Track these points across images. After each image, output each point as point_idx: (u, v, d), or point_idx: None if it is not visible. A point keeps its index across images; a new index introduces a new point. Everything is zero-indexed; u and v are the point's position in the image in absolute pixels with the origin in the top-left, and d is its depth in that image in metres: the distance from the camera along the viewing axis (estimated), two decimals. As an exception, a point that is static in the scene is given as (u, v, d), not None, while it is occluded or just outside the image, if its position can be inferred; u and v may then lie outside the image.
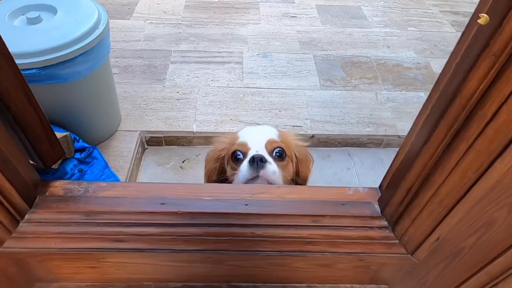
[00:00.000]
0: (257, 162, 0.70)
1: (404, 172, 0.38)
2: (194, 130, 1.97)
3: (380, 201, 0.47)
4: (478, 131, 0.33)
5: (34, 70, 1.34)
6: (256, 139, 0.78)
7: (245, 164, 0.73)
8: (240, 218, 0.46)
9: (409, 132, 0.40)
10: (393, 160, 0.45)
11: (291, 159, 0.80)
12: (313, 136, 2.03)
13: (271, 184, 0.69)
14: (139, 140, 1.89)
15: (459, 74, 0.33)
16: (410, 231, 0.45)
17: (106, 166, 1.61)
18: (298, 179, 0.85)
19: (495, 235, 0.43)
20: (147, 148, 2.00)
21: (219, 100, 2.15)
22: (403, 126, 2.10)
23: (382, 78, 2.42)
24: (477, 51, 0.28)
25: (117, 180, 1.61)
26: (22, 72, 1.30)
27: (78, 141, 1.58)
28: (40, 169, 0.52)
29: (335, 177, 1.97)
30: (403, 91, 2.35)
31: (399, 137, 2.07)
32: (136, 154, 1.85)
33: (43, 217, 0.43)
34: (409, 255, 0.48)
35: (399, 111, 2.20)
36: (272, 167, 0.72)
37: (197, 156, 1.99)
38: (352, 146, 2.10)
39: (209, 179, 0.95)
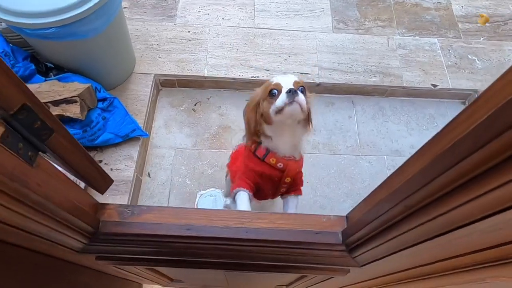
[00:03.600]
0: (293, 92, 0.98)
1: (369, 220, 0.54)
2: (206, 75, 2.05)
3: (343, 232, 0.66)
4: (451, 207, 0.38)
5: (53, 29, 1.40)
6: (286, 81, 1.03)
7: (283, 94, 0.99)
8: (242, 241, 0.66)
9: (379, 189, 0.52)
10: (362, 203, 0.60)
11: (306, 93, 1.06)
12: (319, 84, 2.10)
13: (302, 108, 0.98)
14: (153, 83, 2.00)
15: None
16: (360, 257, 0.65)
17: (126, 113, 1.77)
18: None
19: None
20: (161, 89, 2.12)
21: (230, 42, 2.17)
22: (409, 77, 2.15)
23: (397, 20, 2.35)
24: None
25: (136, 125, 1.78)
26: (42, 31, 1.37)
27: (99, 91, 1.71)
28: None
29: (336, 125, 2.11)
30: (416, 36, 2.31)
31: (403, 88, 2.13)
32: (152, 97, 1.99)
33: (108, 238, 0.63)
34: (358, 266, 0.69)
35: (408, 60, 2.21)
36: (302, 96, 0.99)
37: (208, 99, 2.12)
38: (356, 94, 2.19)
39: (249, 128, 1.15)
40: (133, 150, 1.80)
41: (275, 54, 2.16)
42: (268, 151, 1.14)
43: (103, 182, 0.66)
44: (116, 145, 1.78)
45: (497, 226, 0.36)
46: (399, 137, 2.10)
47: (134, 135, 1.77)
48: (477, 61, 2.25)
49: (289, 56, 2.16)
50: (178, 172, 1.91)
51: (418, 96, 2.20)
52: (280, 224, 0.67)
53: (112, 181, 0.68)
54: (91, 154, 1.74)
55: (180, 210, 0.68)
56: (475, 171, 0.31)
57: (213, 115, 2.08)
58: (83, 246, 0.64)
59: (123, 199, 1.67)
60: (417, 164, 0.41)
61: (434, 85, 2.14)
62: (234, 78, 2.06)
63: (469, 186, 0.34)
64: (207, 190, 1.89)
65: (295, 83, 1.02)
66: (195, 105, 2.09)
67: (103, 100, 1.71)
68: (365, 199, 0.58)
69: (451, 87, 2.14)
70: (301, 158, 1.22)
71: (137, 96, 1.94)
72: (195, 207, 1.84)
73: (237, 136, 2.02)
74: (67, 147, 0.52)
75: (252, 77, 2.07)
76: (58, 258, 0.69)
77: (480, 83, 2.17)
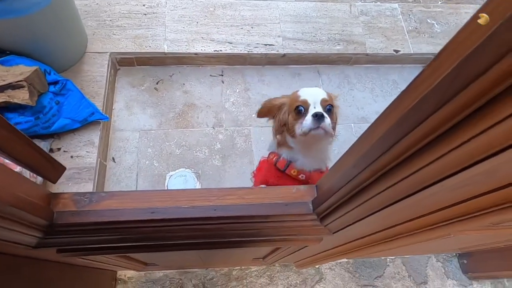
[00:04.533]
0: (319, 117, 0.98)
1: (338, 187, 0.53)
2: (166, 51, 1.95)
3: (313, 201, 0.65)
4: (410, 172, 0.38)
5: (-13, 6, 1.25)
6: (314, 98, 1.03)
7: (309, 118, 0.99)
8: (211, 220, 0.63)
9: (345, 157, 0.50)
10: (331, 171, 0.59)
11: (334, 109, 1.09)
12: (284, 55, 2.06)
13: (327, 132, 1.00)
14: (109, 63, 1.88)
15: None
16: (331, 225, 0.64)
17: (82, 96, 1.66)
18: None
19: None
20: (119, 69, 2.00)
21: (189, 15, 2.06)
22: (372, 44, 2.15)
23: (358, -15, 2.32)
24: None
25: (95, 108, 1.68)
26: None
27: (50, 74, 1.58)
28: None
29: (304, 95, 2.10)
30: (378, 2, 2.30)
31: (367, 55, 2.14)
32: (109, 77, 1.87)
33: (65, 229, 0.58)
34: (330, 233, 0.69)
35: (370, 26, 2.21)
36: (327, 121, 0.99)
37: (171, 76, 2.03)
38: (321, 64, 2.17)
39: (260, 112, 1.22)
40: (94, 135, 1.70)
41: (237, 25, 2.08)
42: (289, 162, 1.13)
43: (53, 170, 0.60)
44: (74, 130, 1.68)
45: (464, 183, 0.36)
46: (365, 104, 2.13)
47: (93, 119, 1.67)
48: (436, 25, 2.29)
49: (252, 28, 2.09)
50: (144, 155, 1.84)
51: (382, 63, 2.22)
52: (250, 199, 0.65)
53: (64, 168, 0.62)
54: (48, 141, 1.63)
55: (143, 193, 0.64)
56: (441, 128, 0.30)
57: (177, 93, 2.00)
58: (37, 241, 0.59)
59: (88, 187, 1.59)
60: (381, 128, 0.39)
61: (396, 51, 2.16)
62: (196, 53, 1.98)
63: (436, 145, 0.33)
64: (177, 171, 1.84)
65: (323, 101, 1.02)
66: (157, 83, 2.00)
67: (55, 83, 1.58)
68: (333, 166, 0.57)
69: (412, 52, 2.18)
70: (327, 168, 1.20)
71: (93, 78, 1.82)
72: (165, 188, 1.80)
73: (204, 113, 1.96)
74: (2, 135, 0.47)
75: (215, 51, 1.99)
76: (12, 255, 0.64)
77: (439, 46, 2.20)
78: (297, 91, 1.11)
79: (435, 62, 0.33)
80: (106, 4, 2.01)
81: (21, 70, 1.45)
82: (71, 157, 1.65)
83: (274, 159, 1.17)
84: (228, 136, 1.94)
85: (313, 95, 1.04)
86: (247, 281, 1.70)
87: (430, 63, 0.35)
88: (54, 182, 0.61)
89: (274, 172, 1.16)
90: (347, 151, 0.51)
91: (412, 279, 1.81)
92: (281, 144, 1.18)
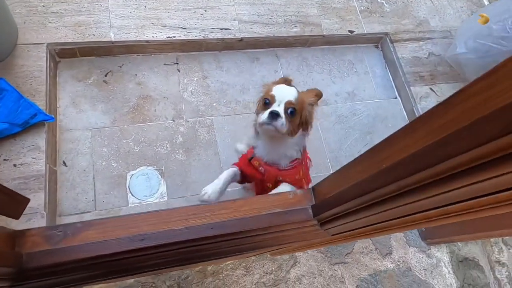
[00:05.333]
0: (274, 116, 1.06)
1: (343, 200, 0.50)
2: (113, 39, 1.77)
3: (313, 207, 0.62)
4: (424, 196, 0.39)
5: None
6: (281, 97, 1.09)
7: (267, 113, 1.08)
8: (208, 239, 0.58)
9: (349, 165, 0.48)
10: (334, 176, 0.56)
11: (300, 115, 1.12)
12: (241, 39, 1.99)
13: (278, 130, 1.08)
14: (48, 55, 1.67)
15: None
16: (332, 229, 0.62)
17: (20, 96, 1.46)
18: (304, 126, 1.20)
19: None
20: (59, 61, 1.78)
21: (135, -2, 1.89)
22: (327, 25, 2.15)
23: (310, -36, 2.28)
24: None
25: (37, 109, 1.49)
26: None
27: (-24, 73, 1.35)
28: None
29: (263, 80, 2.04)
30: (330, -18, 2.29)
31: (323, 36, 2.14)
32: (49, 72, 1.66)
33: (39, 272, 0.49)
34: (329, 236, 0.67)
35: (324, 7, 2.20)
36: (281, 121, 1.07)
37: (120, 67, 1.86)
38: (279, 47, 2.13)
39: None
40: (38, 138, 1.51)
41: (189, 9, 1.95)
42: (254, 153, 1.24)
43: (15, 204, 0.51)
44: (15, 135, 1.48)
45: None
46: (324, 86, 2.14)
47: (36, 120, 1.48)
48: (385, 4, 2.35)
49: (205, 11, 1.97)
50: (99, 155, 1.69)
51: (337, 44, 2.23)
52: (246, 211, 0.60)
53: (28, 200, 0.53)
54: (-17, 151, 1.42)
55: (126, 218, 0.56)
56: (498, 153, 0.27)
57: (130, 85, 1.85)
58: (5, 291, 0.50)
59: (38, 197, 1.43)
60: (406, 142, 0.37)
61: (351, 31, 2.18)
62: (147, 41, 1.82)
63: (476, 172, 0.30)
64: (138, 169, 1.72)
65: (288, 102, 1.08)
66: (105, 75, 1.82)
67: (-16, 83, 1.37)
68: (337, 173, 0.54)
69: (365, 32, 2.22)
70: (294, 168, 1.23)
71: (29, 73, 1.60)
72: (127, 189, 1.68)
73: (161, 105, 1.84)
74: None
75: (167, 37, 1.85)
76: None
77: (389, 25, 2.28)
78: (275, 83, 1.17)
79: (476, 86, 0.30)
80: (35, -13, 1.75)
81: None
82: (14, 165, 1.46)
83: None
84: (190, 128, 1.85)
85: (281, 94, 1.10)
86: (223, 275, 1.68)
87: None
88: (17, 218, 0.51)
89: (246, 160, 1.28)
90: (357, 160, 0.48)
91: (378, 252, 1.91)
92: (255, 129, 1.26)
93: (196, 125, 1.86)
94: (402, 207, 0.42)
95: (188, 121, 1.85)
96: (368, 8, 2.28)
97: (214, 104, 1.92)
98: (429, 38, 2.31)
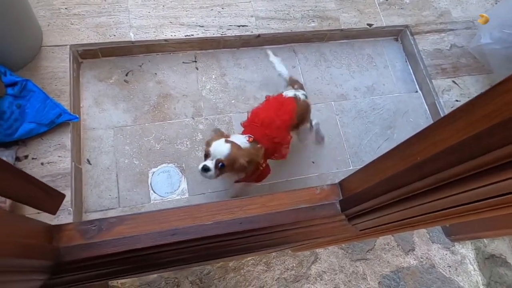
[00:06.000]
0: (204, 169, 1.33)
1: (374, 194, 0.49)
2: (132, 39, 1.80)
3: (341, 202, 0.61)
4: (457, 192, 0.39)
5: None
6: (215, 154, 1.34)
7: (201, 165, 1.35)
8: (237, 234, 0.58)
9: (380, 158, 0.47)
10: (362, 172, 0.55)
11: (232, 167, 1.35)
12: (259, 35, 1.98)
13: (208, 178, 1.35)
14: (71, 56, 1.71)
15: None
16: (360, 224, 0.62)
17: (47, 97, 1.50)
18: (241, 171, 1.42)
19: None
20: (82, 62, 1.83)
21: (153, -2, 1.91)
22: (346, 18, 2.12)
23: (327, -42, 2.25)
24: None
25: (62, 109, 1.53)
26: None
27: (5, 75, 1.40)
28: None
29: (281, 77, 2.04)
30: (348, -25, 2.25)
31: (342, 30, 2.11)
32: (73, 72, 1.71)
33: (75, 266, 0.50)
34: (357, 231, 0.66)
35: (342, 1, 2.17)
36: (210, 173, 1.33)
37: (140, 66, 1.89)
38: (297, 42, 2.12)
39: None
40: (64, 137, 1.56)
41: (207, 7, 1.96)
42: None
43: (50, 200, 0.52)
44: (41, 135, 1.53)
45: None
46: (343, 81, 2.12)
47: (61, 120, 1.53)
48: (405, -4, 2.29)
49: (223, 8, 1.98)
50: (122, 153, 1.72)
51: (356, 38, 2.20)
52: (274, 206, 0.60)
53: (64, 195, 0.55)
54: (13, 150, 1.47)
55: (157, 214, 0.57)
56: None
57: (150, 84, 1.87)
58: (41, 284, 0.51)
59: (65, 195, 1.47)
60: (443, 135, 0.36)
61: (370, 25, 2.14)
62: (166, 40, 1.84)
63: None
64: (159, 167, 1.75)
65: (218, 160, 1.33)
66: (126, 75, 1.86)
67: (13, 85, 1.41)
68: (365, 167, 0.53)
69: (384, 25, 2.17)
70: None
71: (54, 74, 1.65)
72: (149, 186, 1.71)
73: (181, 103, 1.86)
74: (-6, 174, 0.38)
75: (186, 36, 1.87)
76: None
77: (409, 18, 2.23)
78: (213, 141, 1.37)
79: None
80: (58, -10, 1.80)
81: (-29, 73, 1.27)
82: (42, 164, 1.51)
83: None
84: (209, 125, 1.86)
85: (215, 152, 1.34)
86: (245, 271, 1.69)
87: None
88: (54, 213, 0.53)
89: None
90: (386, 154, 0.47)
91: (400, 248, 1.88)
92: None
93: (215, 122, 1.87)
94: (435, 201, 0.41)
95: (207, 119, 1.87)
96: (387, 0, 2.24)
97: (233, 101, 1.93)
98: (451, 30, 2.25)
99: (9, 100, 1.39)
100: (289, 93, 1.63)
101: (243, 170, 1.40)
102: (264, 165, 1.52)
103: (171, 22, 1.87)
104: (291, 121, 1.53)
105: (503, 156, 0.28)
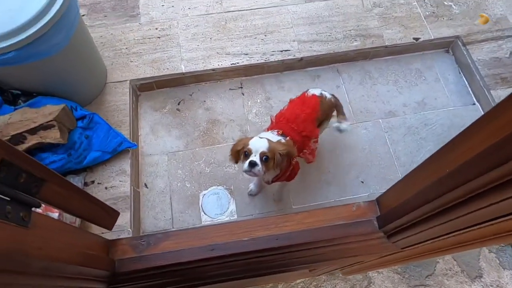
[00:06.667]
0: (252, 165, 1.33)
1: (409, 209, 0.49)
2: (183, 71, 1.95)
3: (378, 219, 0.61)
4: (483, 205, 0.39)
5: (11, 53, 1.28)
6: (256, 149, 1.35)
7: (247, 162, 1.35)
8: (274, 250, 0.61)
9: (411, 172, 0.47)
10: (398, 186, 0.55)
11: (274, 160, 1.36)
12: (301, 59, 2.03)
13: (257, 174, 1.35)
14: (130, 90, 1.90)
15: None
16: (401, 241, 0.60)
17: (109, 128, 1.68)
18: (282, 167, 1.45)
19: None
20: (140, 95, 2.01)
21: (202, 32, 2.06)
22: (390, 35, 2.09)
23: (367, -22, 2.26)
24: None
25: (123, 138, 1.69)
26: (0, 57, 1.25)
27: (76, 110, 1.60)
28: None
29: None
30: (390, -8, 2.24)
31: (386, 47, 2.08)
32: (132, 105, 1.89)
33: (128, 277, 0.57)
34: (398, 249, 0.65)
35: (385, 17, 2.15)
36: (258, 168, 1.33)
37: (191, 95, 2.03)
38: (340, 62, 2.13)
39: (232, 155, 1.47)
40: (124, 164, 1.71)
41: (251, 36, 2.07)
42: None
43: (108, 217, 0.59)
44: (105, 162, 1.69)
45: None
46: (390, 98, 2.06)
47: (122, 148, 1.68)
48: (454, 6, 2.21)
49: (266, 36, 2.07)
50: (175, 177, 1.84)
51: (402, 53, 2.15)
52: (309, 223, 0.62)
53: (118, 213, 0.61)
54: (82, 176, 1.65)
55: (199, 230, 0.62)
56: None
57: (199, 111, 2.00)
58: (101, 292, 0.58)
59: (125, 217, 1.60)
60: (473, 143, 0.36)
61: (416, 39, 2.09)
62: (213, 69, 1.97)
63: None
64: (209, 189, 1.83)
65: (262, 153, 1.34)
66: (178, 104, 2.00)
67: (82, 118, 1.60)
68: (401, 181, 0.53)
69: (432, 38, 2.10)
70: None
71: (116, 107, 1.84)
72: (200, 208, 1.79)
73: (228, 128, 1.95)
74: (62, 194, 0.45)
75: (232, 64, 1.98)
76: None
77: (460, 28, 2.13)
78: (249, 139, 1.39)
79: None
80: (120, 33, 2.03)
81: (49, 110, 1.48)
82: (106, 188, 1.66)
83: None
84: (256, 147, 1.91)
85: (256, 147, 1.35)
86: (295, 294, 1.66)
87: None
88: (111, 229, 0.60)
89: None
90: (419, 167, 0.47)
91: (465, 274, 1.72)
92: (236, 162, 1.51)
93: (261, 145, 1.92)
94: (473, 213, 0.40)
95: (253, 141, 1.92)
96: (434, 12, 2.17)
97: (278, 124, 1.97)
98: (509, 36, 2.10)
99: (79, 132, 1.58)
100: (315, 91, 1.63)
101: (281, 164, 1.41)
102: (294, 161, 1.53)
103: (217, 53, 2.00)
104: (316, 113, 1.56)
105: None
